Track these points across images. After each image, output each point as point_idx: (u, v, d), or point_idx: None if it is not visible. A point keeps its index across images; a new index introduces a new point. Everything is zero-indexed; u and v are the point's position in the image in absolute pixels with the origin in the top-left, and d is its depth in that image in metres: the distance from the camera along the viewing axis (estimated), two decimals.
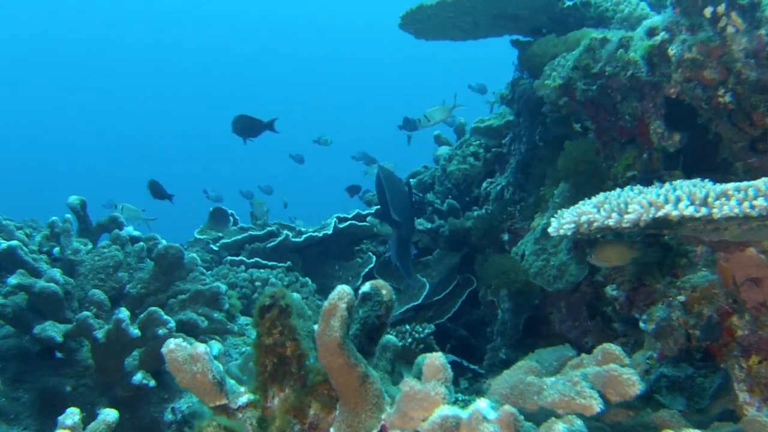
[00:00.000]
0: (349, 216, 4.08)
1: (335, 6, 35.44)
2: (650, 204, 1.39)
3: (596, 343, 2.61)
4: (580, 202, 1.63)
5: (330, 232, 3.80)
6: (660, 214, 1.36)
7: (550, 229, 1.64)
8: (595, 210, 1.51)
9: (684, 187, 1.41)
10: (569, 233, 1.58)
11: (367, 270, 3.81)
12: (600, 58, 2.35)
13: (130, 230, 3.38)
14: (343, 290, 1.34)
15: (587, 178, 2.48)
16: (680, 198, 1.37)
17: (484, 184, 4.04)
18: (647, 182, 2.20)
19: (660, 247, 2.03)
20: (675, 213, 1.34)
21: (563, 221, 1.58)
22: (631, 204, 1.42)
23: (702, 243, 1.78)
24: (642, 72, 2.11)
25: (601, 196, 1.57)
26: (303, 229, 3.96)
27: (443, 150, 4.66)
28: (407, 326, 3.30)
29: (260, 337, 1.44)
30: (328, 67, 36.08)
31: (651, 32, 2.06)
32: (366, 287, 1.47)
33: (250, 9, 36.54)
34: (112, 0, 33.92)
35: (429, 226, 3.99)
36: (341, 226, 3.91)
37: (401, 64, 33.28)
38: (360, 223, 4.01)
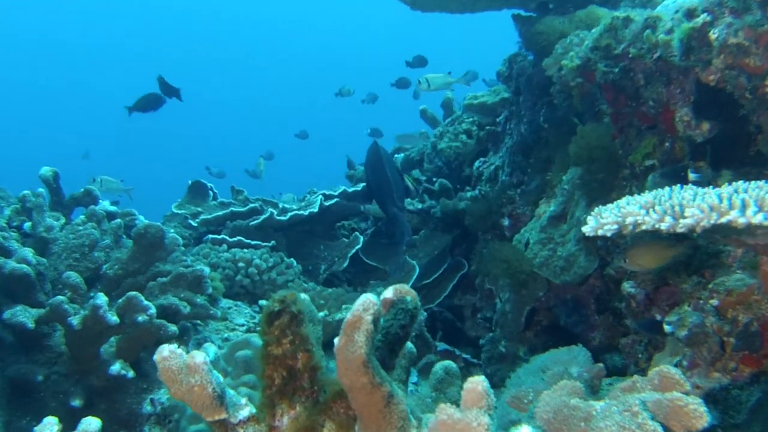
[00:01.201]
0: (335, 193, 3.90)
1: None
2: (712, 209, 1.24)
3: (604, 339, 2.50)
4: (622, 201, 1.47)
5: (316, 210, 3.62)
6: (723, 220, 1.21)
7: (585, 229, 1.49)
8: (643, 211, 1.36)
9: (750, 190, 1.25)
10: (609, 234, 1.43)
11: (354, 251, 3.64)
12: (623, 38, 2.19)
13: (106, 205, 3.19)
14: (368, 300, 1.18)
15: (602, 165, 2.33)
16: (746, 203, 1.22)
17: (477, 164, 3.89)
18: (672, 174, 2.06)
19: (687, 245, 1.88)
20: (742, 220, 1.19)
21: (603, 221, 1.43)
22: (688, 207, 1.27)
23: (743, 245, 1.64)
24: (675, 55, 1.95)
25: (648, 195, 1.42)
26: (288, 206, 3.78)
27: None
28: None
29: (268, 346, 1.28)
30: (319, 44, 35.75)
31: (690, 14, 1.90)
32: (389, 293, 1.30)
33: None
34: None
35: (420, 206, 3.82)
36: (327, 203, 3.73)
37: (390, 40, 33.14)
38: (346, 201, 3.83)
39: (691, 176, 1.97)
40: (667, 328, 1.83)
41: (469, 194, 3.67)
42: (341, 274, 3.77)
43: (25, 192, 2.86)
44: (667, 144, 2.16)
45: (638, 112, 2.22)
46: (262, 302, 2.80)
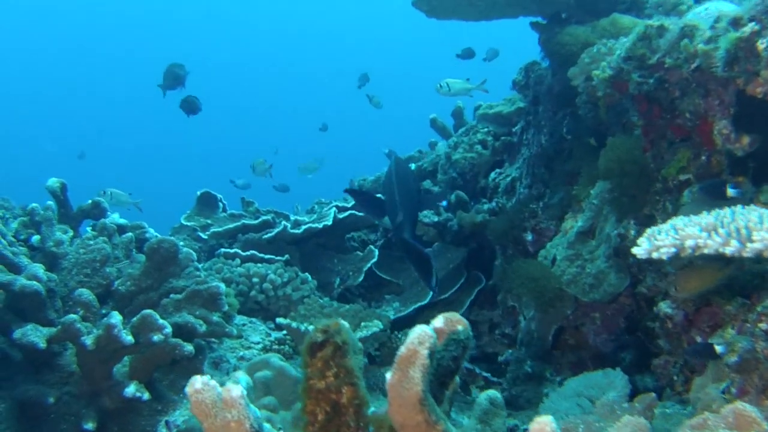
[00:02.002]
0: (348, 205, 3.83)
1: None
2: None
3: (634, 359, 2.42)
4: (677, 221, 1.39)
5: (330, 222, 3.54)
6: None
7: (637, 251, 1.41)
8: (704, 234, 1.28)
9: None
10: (665, 257, 1.35)
11: (369, 264, 3.56)
12: (658, 48, 2.12)
13: (115, 218, 3.11)
14: (424, 333, 1.10)
15: (633, 179, 2.25)
16: None
17: (492, 175, 3.81)
18: (711, 189, 1.98)
19: (736, 266, 1.80)
20: None
21: (659, 243, 1.35)
22: (757, 231, 1.19)
23: None
24: (717, 66, 1.87)
25: (709, 217, 1.34)
26: (300, 219, 3.69)
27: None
28: None
29: (310, 379, 1.20)
30: (332, 49, 35.67)
31: (736, 23, 1.82)
32: (439, 322, 1.22)
33: None
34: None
35: (436, 219, 3.74)
36: (340, 216, 3.65)
37: (403, 47, 33.24)
38: (360, 213, 3.75)
39: (730, 192, 1.89)
40: (719, 348, 1.74)
41: (486, 206, 3.59)
42: (354, 288, 3.69)
43: (34, 205, 2.78)
44: (703, 157, 2.09)
45: (673, 125, 2.14)
46: (280, 320, 2.72)
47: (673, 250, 1.32)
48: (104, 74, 32.60)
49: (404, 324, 3.21)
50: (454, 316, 1.24)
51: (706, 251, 1.27)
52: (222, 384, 1.33)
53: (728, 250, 1.23)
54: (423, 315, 3.41)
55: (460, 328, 1.23)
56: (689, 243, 1.29)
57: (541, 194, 3.04)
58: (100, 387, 2.41)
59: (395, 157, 3.05)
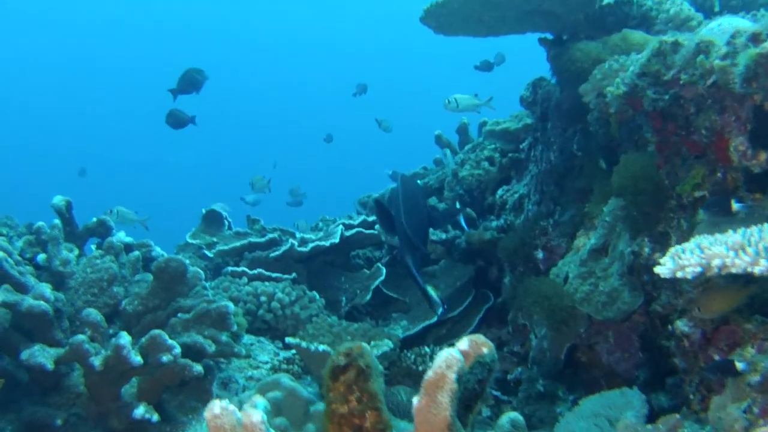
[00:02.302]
0: (355, 222, 3.80)
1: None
2: None
3: (648, 377, 2.39)
4: (702, 240, 1.37)
5: (337, 240, 3.51)
6: None
7: (661, 270, 1.39)
8: (731, 253, 1.26)
9: None
10: (690, 276, 1.33)
11: (377, 282, 3.53)
12: (672, 64, 2.10)
13: (122, 236, 3.08)
14: (452, 356, 1.08)
15: (647, 196, 2.23)
16: None
17: (500, 192, 3.79)
18: (715, 205, 1.97)
19: (761, 285, 1.77)
20: None
21: (684, 263, 1.32)
22: None
23: None
24: (736, 82, 1.85)
25: (736, 236, 1.32)
26: (307, 236, 3.67)
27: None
28: (426, 348, 3.04)
29: (333, 404, 1.17)
30: (338, 63, 35.65)
31: (755, 38, 1.81)
32: (464, 345, 1.20)
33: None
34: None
35: (444, 236, 3.72)
36: (348, 233, 3.62)
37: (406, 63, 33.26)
38: (367, 231, 3.72)
39: (735, 207, 1.87)
40: (740, 366, 1.72)
41: (494, 224, 3.57)
42: (361, 306, 3.66)
43: (40, 224, 2.76)
44: (718, 174, 2.07)
45: (688, 141, 2.12)
46: (289, 339, 2.69)
47: (699, 269, 1.30)
48: (103, 88, 32.57)
49: (413, 342, 3.18)
50: (480, 338, 1.21)
51: (733, 270, 1.24)
52: (239, 407, 1.30)
53: (757, 270, 1.20)
54: (431, 333, 3.38)
55: (485, 350, 1.21)
56: (716, 262, 1.27)
57: (551, 211, 3.02)
58: (108, 408, 2.38)
59: (402, 176, 3.02)
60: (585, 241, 2.59)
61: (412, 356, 2.99)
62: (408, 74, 33.84)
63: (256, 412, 1.23)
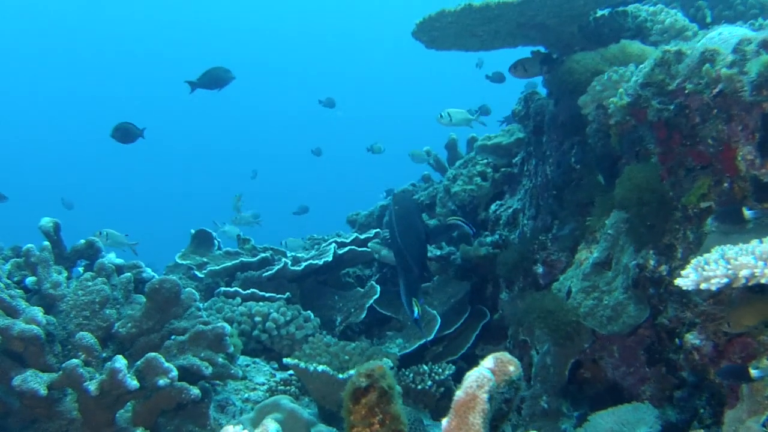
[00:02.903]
0: (348, 240, 3.76)
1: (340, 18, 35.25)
2: None
3: (655, 392, 2.35)
4: (727, 251, 1.33)
5: (330, 259, 3.46)
6: None
7: (683, 282, 1.35)
8: (761, 263, 1.22)
9: None
10: (715, 288, 1.29)
11: (371, 301, 3.48)
12: (677, 73, 2.07)
13: (112, 258, 3.01)
14: (482, 375, 1.03)
15: (652, 208, 2.20)
16: None
17: (493, 207, 3.76)
18: (726, 214, 1.94)
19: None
20: None
21: (709, 274, 1.29)
22: None
23: None
24: (745, 90, 1.83)
25: (763, 245, 1.28)
26: (300, 255, 3.62)
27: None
28: (425, 366, 2.99)
29: (354, 428, 1.13)
30: (328, 77, 35.66)
31: (766, 45, 1.78)
32: (489, 363, 1.15)
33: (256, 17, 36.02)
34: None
35: (438, 252, 3.68)
36: (340, 252, 3.57)
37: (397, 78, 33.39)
38: (360, 249, 3.68)
39: (747, 214, 1.84)
40: (755, 373, 1.68)
41: (489, 239, 3.53)
42: (355, 325, 3.61)
43: (29, 246, 2.68)
44: (725, 184, 2.03)
45: (693, 151, 2.09)
46: (287, 360, 2.63)
47: (725, 280, 1.26)
48: (83, 114, 32.42)
49: (410, 361, 3.13)
50: (505, 356, 1.17)
51: (763, 281, 1.21)
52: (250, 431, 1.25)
53: None
54: (429, 351, 3.34)
55: (511, 368, 1.16)
56: (744, 273, 1.23)
57: (549, 226, 2.98)
58: None
59: (395, 195, 2.97)
60: (587, 255, 2.55)
61: (411, 375, 2.94)
62: (396, 89, 34.00)
63: None
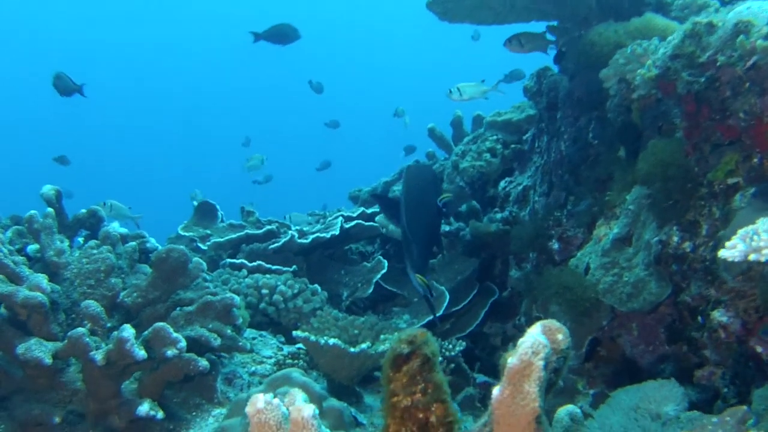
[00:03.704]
0: (354, 215, 3.70)
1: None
2: None
3: (674, 371, 2.30)
4: None
5: (337, 232, 3.40)
6: None
7: (729, 254, 1.30)
8: None
9: None
10: (765, 259, 1.24)
11: (379, 275, 3.42)
12: (708, 45, 2.01)
13: (116, 227, 2.95)
14: (537, 341, 0.97)
15: (677, 183, 2.14)
16: None
17: (503, 183, 3.70)
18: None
19: None
20: None
21: (760, 245, 1.23)
22: None
23: None
24: None
25: None
26: (306, 229, 3.56)
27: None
28: None
29: (394, 396, 1.07)
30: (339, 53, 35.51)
31: None
32: (537, 330, 1.10)
33: None
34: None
35: (447, 228, 3.62)
36: (347, 226, 3.51)
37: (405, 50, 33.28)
38: (366, 223, 3.62)
39: None
40: None
41: (499, 216, 3.48)
42: (360, 300, 3.55)
43: (32, 212, 2.61)
44: (755, 160, 1.98)
45: (722, 126, 2.03)
46: (297, 333, 2.57)
47: None
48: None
49: None
50: (553, 323, 1.11)
51: None
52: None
53: None
54: (437, 328, 3.28)
55: (560, 336, 1.11)
56: None
57: (563, 202, 2.93)
58: (108, 405, 2.25)
59: (407, 168, 2.88)
60: (606, 231, 2.49)
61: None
62: (402, 67, 33.94)
63: (307, 406, 1.12)
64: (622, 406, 1.86)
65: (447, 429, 1.05)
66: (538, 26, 3.23)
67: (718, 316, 1.97)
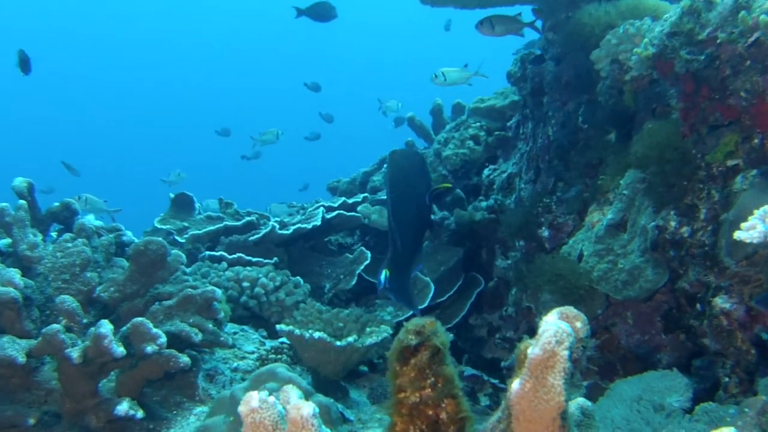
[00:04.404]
0: (335, 205, 3.60)
1: None
2: None
3: (671, 360, 2.24)
4: None
5: (319, 223, 3.31)
6: None
7: (745, 235, 1.23)
8: None
9: None
10: None
11: (362, 267, 3.33)
12: (707, 22, 1.94)
13: (91, 220, 2.84)
14: (561, 330, 0.89)
15: (674, 166, 2.07)
16: None
17: (486, 171, 3.63)
18: None
19: None
20: None
21: None
22: None
23: None
24: None
25: None
26: (287, 220, 3.46)
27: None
28: None
29: (402, 392, 0.99)
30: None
31: None
32: (554, 318, 1.02)
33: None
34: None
35: (432, 217, 3.54)
36: (329, 216, 3.42)
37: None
38: (348, 213, 3.52)
39: None
40: None
41: (483, 204, 3.40)
42: (341, 292, 3.46)
43: (3, 205, 2.49)
44: (755, 141, 1.92)
45: (722, 106, 1.97)
46: (281, 326, 2.48)
47: None
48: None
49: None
50: (571, 310, 1.04)
51: None
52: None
53: None
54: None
55: (579, 324, 1.03)
56: None
57: (551, 188, 2.85)
58: (85, 405, 2.15)
59: (392, 153, 2.75)
60: (599, 217, 2.42)
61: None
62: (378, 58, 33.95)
63: (306, 405, 1.03)
64: (623, 398, 1.79)
65: (459, 426, 0.97)
66: (523, 9, 3.15)
67: (721, 302, 1.90)
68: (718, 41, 1.91)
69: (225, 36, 35.83)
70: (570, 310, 1.02)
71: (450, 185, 2.56)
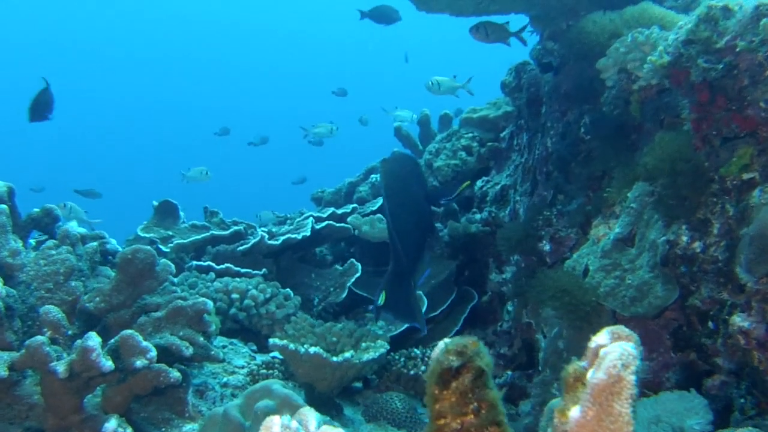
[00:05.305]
0: (324, 215, 3.51)
1: None
2: None
3: (680, 380, 2.17)
4: None
5: (308, 233, 3.22)
6: None
7: None
8: None
9: None
10: None
11: (353, 279, 3.24)
12: (725, 30, 1.88)
13: (74, 227, 2.72)
14: (627, 352, 0.82)
15: (687, 179, 2.01)
16: None
17: (479, 183, 3.56)
18: None
19: None
20: None
21: None
22: None
23: None
24: None
25: None
26: (276, 230, 3.37)
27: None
28: (416, 350, 2.77)
29: (441, 418, 0.90)
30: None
31: None
32: (604, 338, 0.94)
33: None
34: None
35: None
36: (318, 226, 3.33)
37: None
38: (338, 224, 3.44)
39: None
40: None
41: (477, 216, 3.33)
42: (330, 306, 3.37)
43: None
44: None
45: (738, 117, 1.91)
46: (273, 340, 2.38)
47: None
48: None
49: (396, 344, 2.91)
50: (623, 330, 0.96)
51: None
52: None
53: None
54: (414, 334, 3.12)
55: (631, 345, 0.95)
56: None
57: (549, 201, 2.78)
58: (69, 421, 2.04)
59: (383, 161, 2.67)
60: (605, 231, 2.35)
61: (402, 359, 2.73)
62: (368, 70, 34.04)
63: (329, 429, 0.95)
64: (640, 419, 1.71)
65: None
66: (520, 18, 3.10)
67: (739, 321, 1.83)
68: (738, 49, 1.85)
69: (214, 48, 35.95)
70: (622, 329, 0.95)
71: (469, 182, 2.49)
